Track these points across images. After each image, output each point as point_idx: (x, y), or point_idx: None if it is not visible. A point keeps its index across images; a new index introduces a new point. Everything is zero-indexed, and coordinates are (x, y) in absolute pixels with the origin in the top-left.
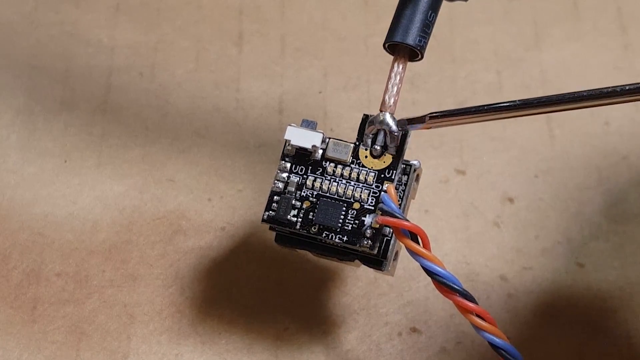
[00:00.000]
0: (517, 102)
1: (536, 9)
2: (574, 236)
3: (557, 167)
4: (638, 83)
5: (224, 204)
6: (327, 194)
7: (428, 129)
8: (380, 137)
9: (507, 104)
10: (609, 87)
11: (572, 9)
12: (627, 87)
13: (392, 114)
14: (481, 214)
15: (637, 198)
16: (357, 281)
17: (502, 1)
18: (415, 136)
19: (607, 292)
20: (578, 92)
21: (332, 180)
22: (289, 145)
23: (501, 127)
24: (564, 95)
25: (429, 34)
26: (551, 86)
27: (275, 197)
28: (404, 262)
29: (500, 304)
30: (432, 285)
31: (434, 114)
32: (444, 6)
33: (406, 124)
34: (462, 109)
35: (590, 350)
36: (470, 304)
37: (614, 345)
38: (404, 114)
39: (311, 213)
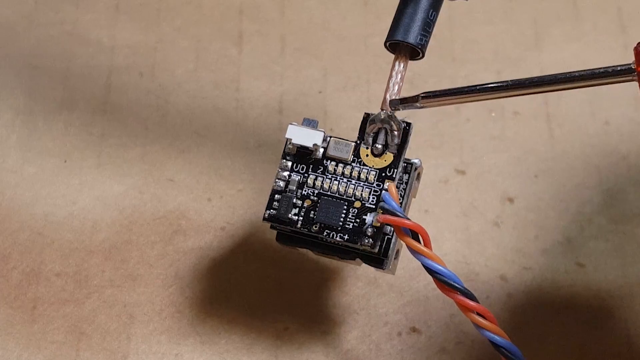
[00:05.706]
0: (509, 82)
1: (536, 9)
2: (574, 236)
3: (557, 167)
4: (629, 63)
5: (224, 204)
6: (328, 193)
7: (421, 108)
8: (381, 136)
9: (499, 83)
10: (600, 68)
11: (572, 9)
12: (618, 68)
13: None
14: (481, 214)
15: (637, 198)
16: (357, 281)
17: (502, 1)
18: (415, 136)
19: (607, 292)
20: (570, 72)
21: (333, 178)
22: (290, 143)
23: (501, 127)
24: (556, 75)
25: (430, 33)
26: None
27: (276, 196)
28: (403, 262)
29: (500, 304)
30: (432, 285)
31: (427, 94)
32: (444, 6)
33: (398, 104)
34: (454, 88)
35: (590, 350)
36: (472, 302)
37: (614, 345)
38: (403, 112)
39: (312, 212)
